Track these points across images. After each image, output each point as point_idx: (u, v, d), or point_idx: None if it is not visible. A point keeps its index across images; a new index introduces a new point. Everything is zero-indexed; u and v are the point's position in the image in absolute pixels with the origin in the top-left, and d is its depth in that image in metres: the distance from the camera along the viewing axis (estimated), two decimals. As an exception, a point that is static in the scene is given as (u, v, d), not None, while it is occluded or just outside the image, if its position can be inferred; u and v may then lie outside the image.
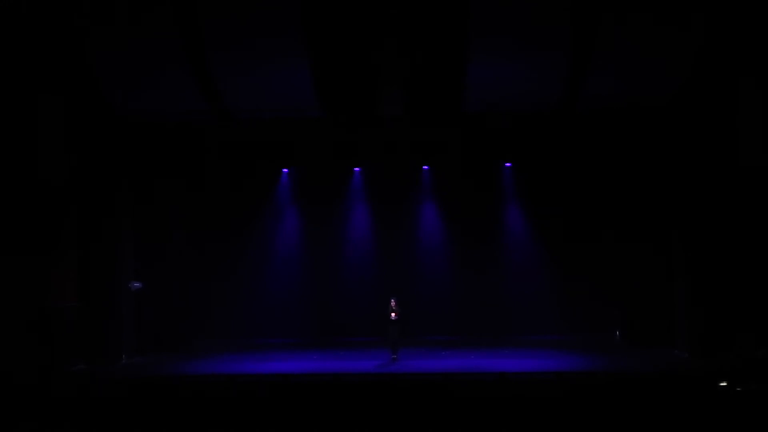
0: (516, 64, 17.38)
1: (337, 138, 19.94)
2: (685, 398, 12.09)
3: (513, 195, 21.63)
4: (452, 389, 13.61)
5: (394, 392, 13.16)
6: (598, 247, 20.76)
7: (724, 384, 12.89)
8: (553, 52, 16.86)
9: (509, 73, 17.57)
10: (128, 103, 18.30)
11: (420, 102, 18.47)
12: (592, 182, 20.75)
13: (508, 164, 21.45)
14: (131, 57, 16.72)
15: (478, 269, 21.53)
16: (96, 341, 18.11)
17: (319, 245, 21.82)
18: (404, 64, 17.35)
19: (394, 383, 14.71)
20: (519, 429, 10.58)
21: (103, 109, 18.33)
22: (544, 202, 21.30)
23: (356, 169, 21.80)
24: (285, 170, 21.85)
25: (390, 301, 18.40)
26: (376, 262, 21.77)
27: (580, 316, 20.90)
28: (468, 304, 21.43)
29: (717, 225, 17.47)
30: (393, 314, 18.26)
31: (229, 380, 15.45)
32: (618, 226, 20.32)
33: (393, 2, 16.07)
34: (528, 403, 11.70)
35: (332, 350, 19.96)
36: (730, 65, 16.77)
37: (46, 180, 17.00)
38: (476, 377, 15.15)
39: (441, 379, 15.02)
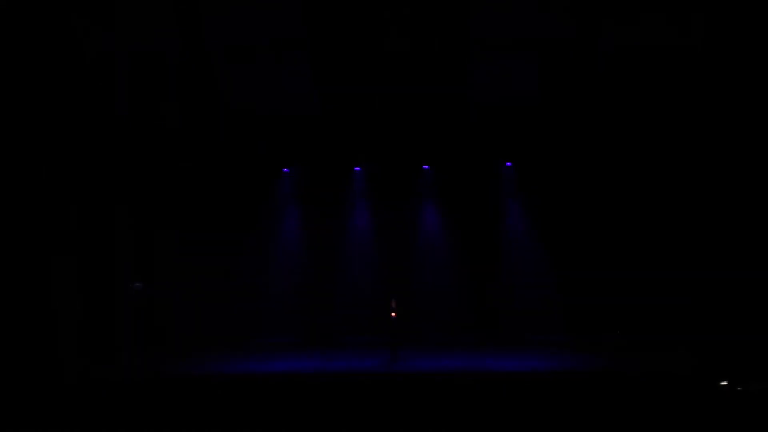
0: (516, 64, 17.38)
1: (337, 138, 19.92)
2: (685, 398, 12.09)
3: (513, 194, 21.64)
4: (452, 389, 13.61)
5: (394, 392, 13.17)
6: (598, 247, 20.72)
7: (724, 384, 12.89)
8: (554, 51, 16.87)
9: (510, 72, 17.57)
10: (128, 102, 18.30)
11: (420, 101, 18.48)
12: (592, 182, 20.74)
13: (508, 164, 21.45)
14: (131, 56, 16.73)
15: (479, 269, 21.51)
16: (96, 341, 18.11)
17: (319, 245, 21.80)
18: (404, 64, 17.35)
19: (394, 383, 14.71)
20: (519, 429, 10.59)
21: (104, 109, 18.33)
22: (544, 202, 21.30)
23: (356, 168, 21.82)
24: (285, 170, 21.86)
25: (390, 301, 18.41)
26: (376, 262, 21.77)
27: (581, 316, 20.88)
28: (468, 303, 21.42)
29: (715, 225, 17.47)
30: (393, 314, 18.27)
31: (230, 380, 15.47)
32: (618, 226, 20.29)
33: (394, 2, 16.09)
34: (528, 403, 11.71)
35: (332, 350, 19.94)
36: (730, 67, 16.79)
37: (47, 180, 17.00)
38: (476, 377, 15.15)
39: (441, 379, 15.02)
